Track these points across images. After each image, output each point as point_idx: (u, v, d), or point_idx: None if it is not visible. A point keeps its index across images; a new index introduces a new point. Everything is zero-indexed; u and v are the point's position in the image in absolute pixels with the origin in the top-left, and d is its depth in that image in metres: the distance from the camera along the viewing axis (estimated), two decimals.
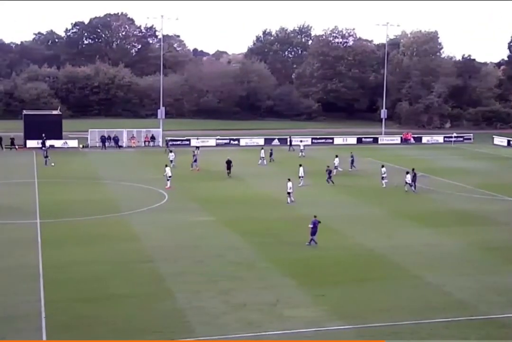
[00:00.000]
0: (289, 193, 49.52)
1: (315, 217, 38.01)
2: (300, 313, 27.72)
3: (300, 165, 57.45)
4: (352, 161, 66.76)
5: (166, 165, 57.21)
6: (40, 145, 79.06)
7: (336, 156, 64.74)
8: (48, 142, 79.86)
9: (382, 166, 58.71)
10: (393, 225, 43.79)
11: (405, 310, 28.21)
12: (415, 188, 54.94)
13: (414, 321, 26.97)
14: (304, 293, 30.23)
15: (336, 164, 63.30)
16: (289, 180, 49.52)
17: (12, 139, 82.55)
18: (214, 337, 25.13)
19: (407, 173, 55.67)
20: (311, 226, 37.71)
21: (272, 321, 26.79)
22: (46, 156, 68.06)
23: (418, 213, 46.96)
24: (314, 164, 65.29)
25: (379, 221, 44.75)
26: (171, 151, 69.50)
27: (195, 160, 66.04)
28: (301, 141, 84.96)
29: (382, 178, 57.46)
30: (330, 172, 58.45)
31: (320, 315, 27.56)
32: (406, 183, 54.66)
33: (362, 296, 29.97)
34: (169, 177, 55.25)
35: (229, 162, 62.11)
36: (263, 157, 71.77)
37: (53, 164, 66.16)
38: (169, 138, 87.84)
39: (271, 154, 73.32)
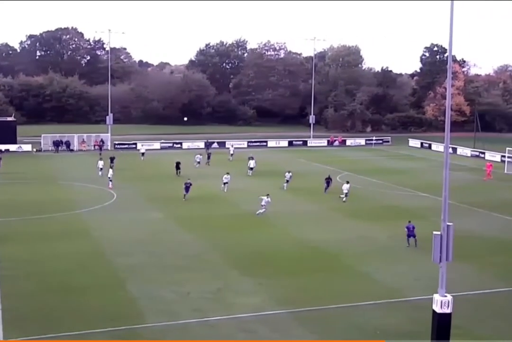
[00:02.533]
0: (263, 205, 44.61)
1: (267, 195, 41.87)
2: (243, 300, 27.75)
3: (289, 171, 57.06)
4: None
5: (111, 167, 57.73)
6: None
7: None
8: (3, 147, 78.99)
9: (347, 182, 52.24)
10: (328, 220, 44.18)
11: (335, 296, 28.50)
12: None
13: (345, 304, 27.30)
14: (246, 282, 30.27)
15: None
16: (268, 195, 44.72)
17: None
18: (165, 323, 25.03)
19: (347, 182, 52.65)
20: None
21: (217, 308, 26.77)
22: None
23: (349, 209, 47.29)
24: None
25: (317, 217, 44.89)
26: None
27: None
28: (232, 146, 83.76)
29: (345, 195, 50.90)
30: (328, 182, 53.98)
31: (261, 301, 27.67)
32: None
33: (298, 284, 30.15)
34: (110, 177, 55.18)
35: (178, 164, 62.57)
36: (198, 162, 70.49)
37: None
38: (117, 142, 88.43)
39: (208, 157, 72.48)
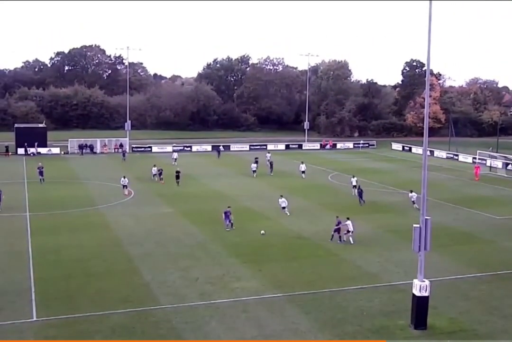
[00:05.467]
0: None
1: (229, 207, 39.02)
2: (244, 285, 27.70)
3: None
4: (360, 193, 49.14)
5: (124, 177, 51.52)
6: (26, 152, 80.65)
7: (353, 176, 54.09)
8: (35, 149, 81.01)
9: (353, 176, 52.33)
10: (317, 214, 44.02)
11: (325, 281, 28.46)
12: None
13: (332, 289, 27.25)
14: (245, 269, 30.23)
15: (354, 183, 52.07)
16: (347, 218, 36.79)
17: (7, 147, 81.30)
18: (174, 305, 25.00)
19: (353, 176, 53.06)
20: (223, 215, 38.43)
21: (221, 292, 26.74)
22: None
23: (336, 204, 47.16)
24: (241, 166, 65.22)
25: (306, 211, 44.69)
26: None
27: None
28: (174, 151, 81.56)
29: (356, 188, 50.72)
30: (361, 191, 48.41)
31: (259, 286, 27.63)
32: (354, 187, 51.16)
33: (292, 271, 30.12)
34: (125, 185, 50.99)
35: (178, 173, 56.41)
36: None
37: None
38: (134, 145, 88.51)
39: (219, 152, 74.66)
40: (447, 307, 25.20)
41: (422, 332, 22.63)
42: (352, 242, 35.31)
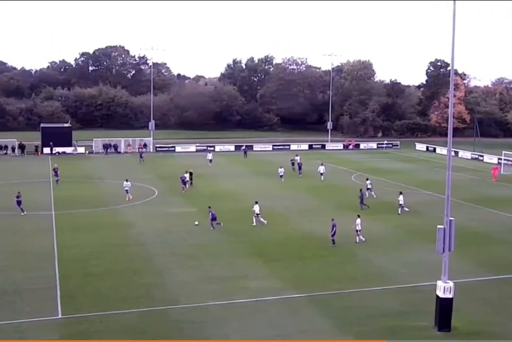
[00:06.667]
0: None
1: (209, 207, 39.45)
2: (260, 284, 27.71)
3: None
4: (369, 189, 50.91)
5: (127, 180, 49.28)
6: (51, 152, 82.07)
7: (367, 179, 53.44)
8: (60, 149, 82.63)
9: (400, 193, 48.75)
10: (334, 214, 43.67)
11: (344, 281, 28.40)
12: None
13: (351, 289, 27.18)
14: (262, 268, 30.26)
15: (369, 187, 51.03)
16: (358, 216, 36.30)
17: (36, 147, 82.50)
18: (189, 305, 25.02)
19: (367, 179, 52.23)
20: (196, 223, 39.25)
21: (237, 291, 26.74)
22: None
23: (354, 204, 46.47)
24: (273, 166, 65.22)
25: (327, 211, 44.16)
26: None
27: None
28: (208, 152, 78.77)
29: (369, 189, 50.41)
30: (362, 196, 46.75)
31: (276, 285, 27.61)
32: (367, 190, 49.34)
33: (310, 270, 30.12)
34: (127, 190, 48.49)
35: (191, 174, 55.74)
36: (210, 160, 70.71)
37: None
38: (157, 145, 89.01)
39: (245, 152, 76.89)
40: (469, 309, 25.01)
41: (446, 334, 22.44)
42: (363, 240, 35.22)
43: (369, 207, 45.30)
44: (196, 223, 39.43)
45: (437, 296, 23.04)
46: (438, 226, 22.77)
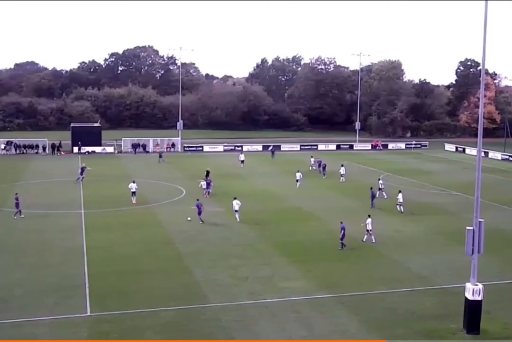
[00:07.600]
0: (368, 231, 35.84)
1: (197, 199, 40.83)
2: (292, 285, 27.71)
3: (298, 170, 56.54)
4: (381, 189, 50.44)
5: (134, 182, 47.67)
6: (79, 151, 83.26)
7: (379, 179, 52.62)
8: (89, 149, 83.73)
9: (379, 179, 50.96)
10: (365, 215, 43.39)
11: (375, 282, 28.23)
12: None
13: (381, 290, 27.02)
14: (295, 269, 30.23)
15: (380, 187, 50.42)
16: (369, 216, 36.30)
17: (58, 146, 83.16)
18: (224, 304, 25.16)
19: (379, 179, 51.72)
20: (193, 207, 40.19)
21: (270, 291, 26.79)
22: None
23: (387, 205, 46.37)
24: (301, 166, 65.04)
25: (356, 212, 43.89)
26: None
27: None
28: (241, 152, 76.94)
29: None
30: (374, 195, 46.46)
31: (308, 286, 27.58)
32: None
33: (341, 271, 30.02)
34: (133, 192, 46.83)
35: (207, 172, 54.97)
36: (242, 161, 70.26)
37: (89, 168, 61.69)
38: (185, 145, 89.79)
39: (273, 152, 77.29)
40: (500, 312, 24.64)
41: (475, 337, 22.13)
42: (373, 240, 34.99)
43: (374, 207, 45.20)
44: (189, 218, 40.34)
45: (466, 298, 22.77)
46: (467, 227, 22.53)
